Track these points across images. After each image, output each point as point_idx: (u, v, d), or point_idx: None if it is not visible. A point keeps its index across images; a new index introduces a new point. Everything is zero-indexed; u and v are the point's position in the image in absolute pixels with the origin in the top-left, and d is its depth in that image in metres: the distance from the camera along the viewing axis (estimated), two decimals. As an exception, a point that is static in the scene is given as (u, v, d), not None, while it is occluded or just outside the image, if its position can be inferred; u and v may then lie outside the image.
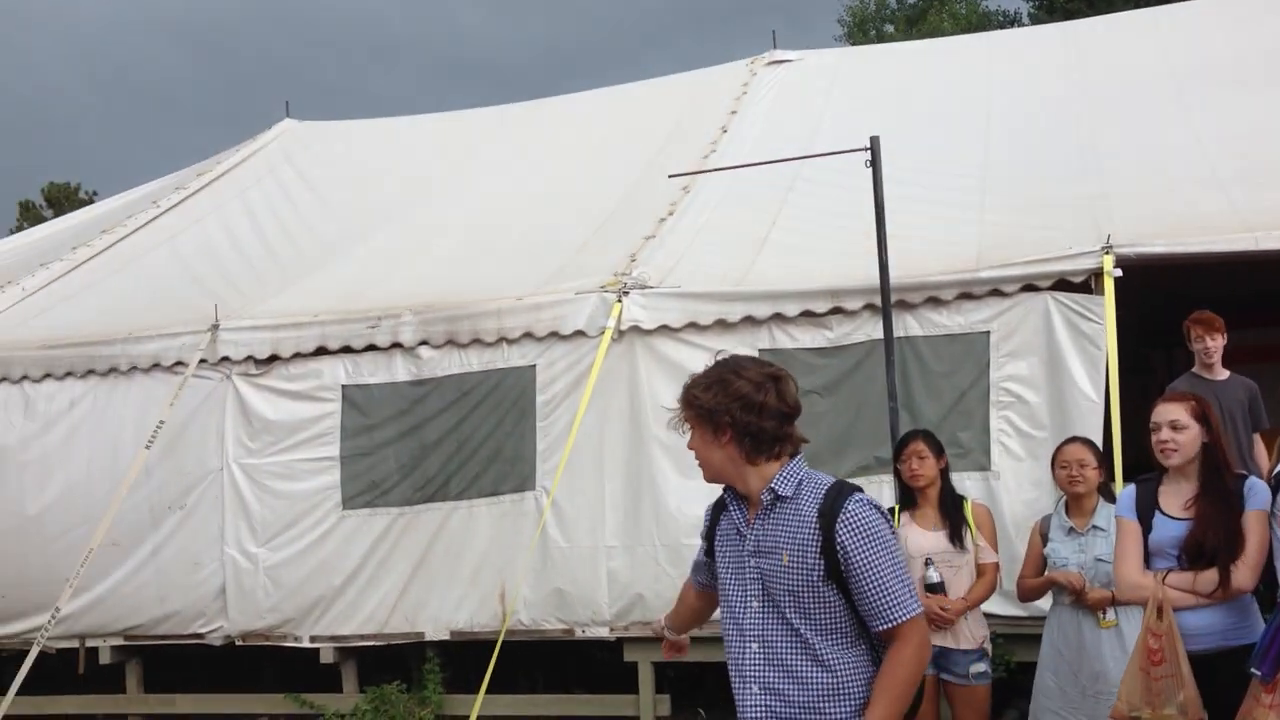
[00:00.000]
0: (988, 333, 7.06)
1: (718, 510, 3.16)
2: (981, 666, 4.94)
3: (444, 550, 7.83)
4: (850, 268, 7.36)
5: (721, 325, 7.59)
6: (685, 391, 3.06)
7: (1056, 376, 6.84)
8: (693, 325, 7.63)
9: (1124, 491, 4.31)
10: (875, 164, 6.64)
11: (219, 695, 8.42)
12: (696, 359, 7.54)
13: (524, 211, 9.96)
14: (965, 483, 6.88)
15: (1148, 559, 4.06)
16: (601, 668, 7.87)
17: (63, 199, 33.84)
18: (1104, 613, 4.57)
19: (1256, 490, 3.96)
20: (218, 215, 11.13)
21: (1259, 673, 3.51)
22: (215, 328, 8.40)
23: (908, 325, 7.22)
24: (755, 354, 7.52)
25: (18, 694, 7.12)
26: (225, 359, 8.38)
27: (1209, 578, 3.89)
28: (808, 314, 7.43)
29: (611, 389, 7.63)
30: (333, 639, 8.00)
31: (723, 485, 3.11)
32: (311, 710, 7.94)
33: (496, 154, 11.53)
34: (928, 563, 4.95)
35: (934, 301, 7.18)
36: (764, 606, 2.93)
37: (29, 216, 33.67)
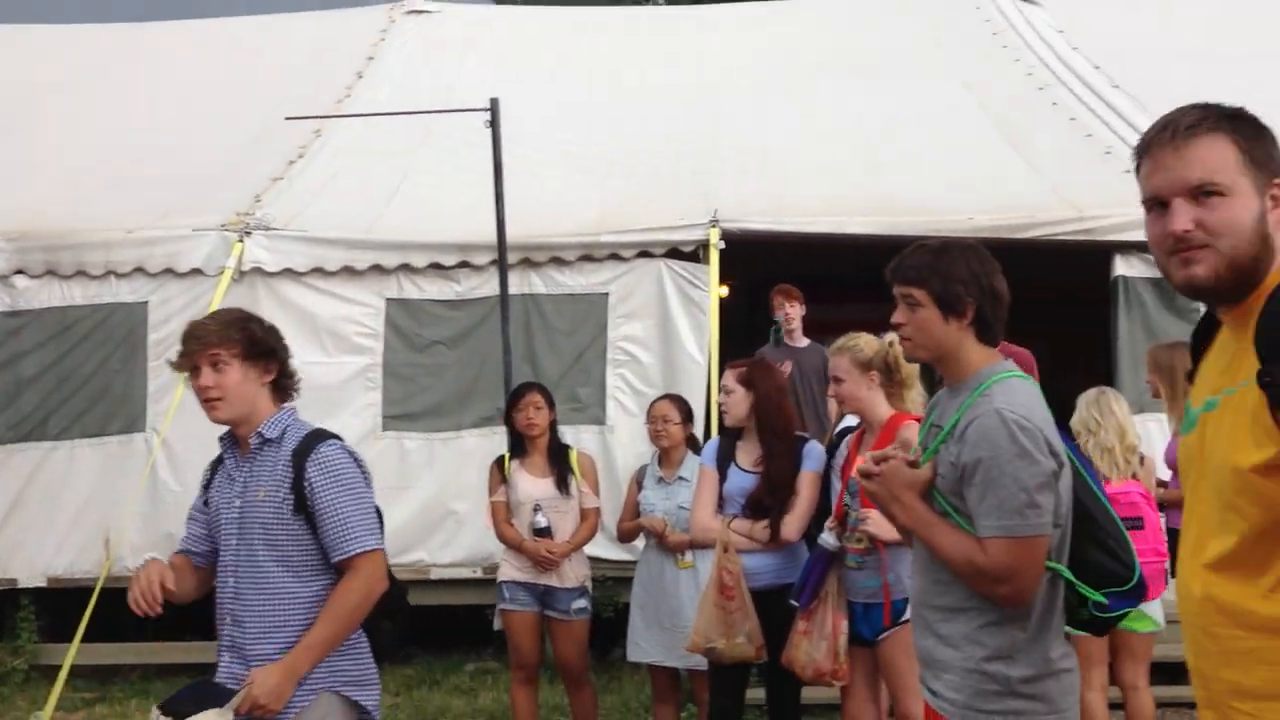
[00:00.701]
0: (607, 294, 7.49)
1: (216, 465, 3.28)
2: (582, 603, 5.32)
3: (41, 492, 7.38)
4: (479, 224, 7.54)
5: (349, 272, 7.58)
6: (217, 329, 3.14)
7: (667, 338, 7.38)
8: (319, 270, 7.57)
9: (710, 442, 4.83)
10: (495, 125, 6.87)
11: None
12: (322, 304, 7.58)
13: (145, 140, 9.41)
14: (582, 436, 7.30)
15: (723, 505, 4.56)
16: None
17: None
18: (682, 554, 5.04)
19: (811, 453, 4.55)
20: None
21: (797, 604, 4.07)
22: None
23: (533, 283, 7.54)
24: (383, 302, 7.61)
25: None
26: None
27: (761, 529, 4.45)
28: (436, 266, 7.57)
29: (231, 332, 7.44)
30: (-96, 586, 7.36)
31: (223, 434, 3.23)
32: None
33: (121, 75, 10.79)
34: (536, 509, 5.26)
35: (558, 262, 7.52)
36: (240, 543, 3.09)
37: None
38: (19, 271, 7.58)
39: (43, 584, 7.36)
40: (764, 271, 8.19)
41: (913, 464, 2.87)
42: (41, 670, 7.15)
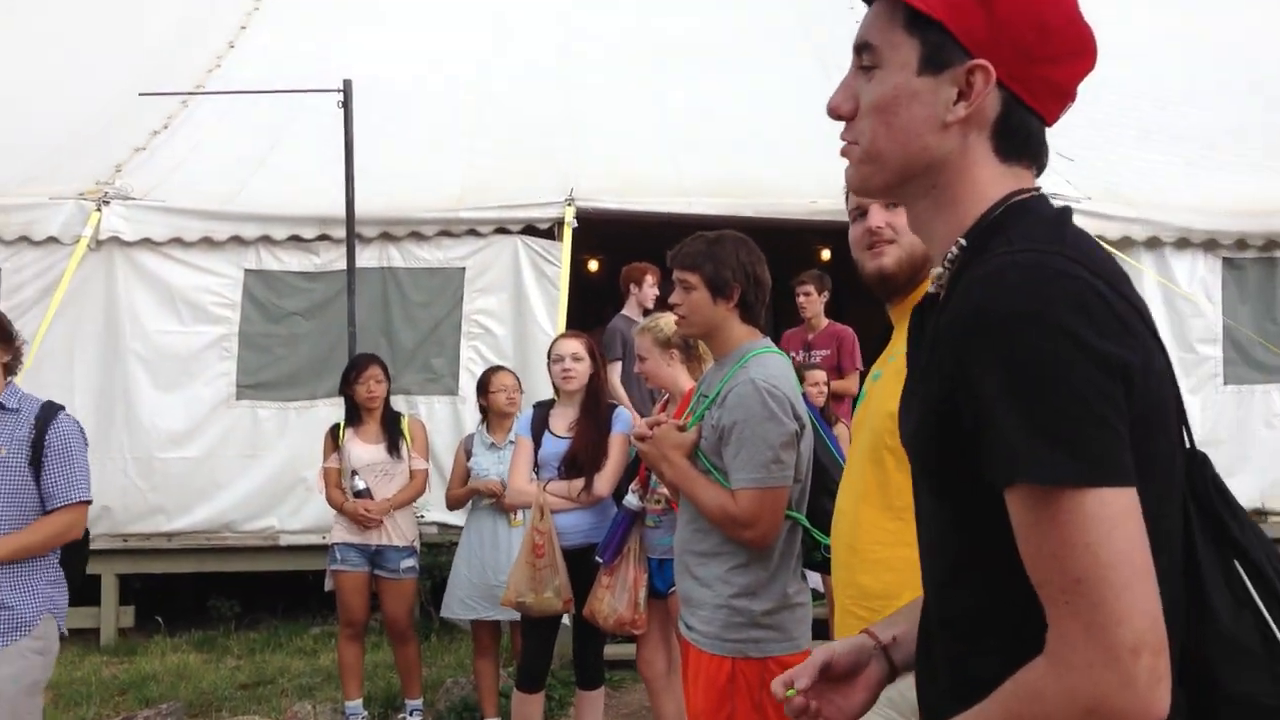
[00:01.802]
0: (464, 269, 7.65)
1: None
2: (410, 562, 5.53)
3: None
4: (341, 198, 7.65)
5: (208, 243, 7.62)
6: None
7: (521, 312, 7.57)
8: (178, 241, 7.60)
9: (523, 414, 5.07)
10: (347, 106, 6.99)
11: None
12: (180, 274, 7.62)
13: (4, 105, 9.28)
14: (436, 406, 7.49)
15: (539, 470, 4.79)
16: (63, 581, 7.70)
17: None
18: (515, 514, 5.27)
19: (620, 417, 4.84)
20: None
21: (601, 560, 4.32)
22: None
23: (391, 257, 7.67)
24: (241, 273, 7.67)
25: None
26: None
27: (576, 486, 4.70)
28: (296, 239, 7.65)
29: (86, 300, 7.46)
30: None
31: None
32: None
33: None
34: (354, 474, 5.47)
35: (416, 236, 7.66)
36: None
37: None
38: None
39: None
40: (626, 247, 8.42)
41: (681, 428, 3.22)
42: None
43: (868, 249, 2.41)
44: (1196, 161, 8.56)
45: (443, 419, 7.44)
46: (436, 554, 6.74)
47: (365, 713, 5.57)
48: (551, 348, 4.97)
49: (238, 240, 7.63)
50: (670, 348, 4.33)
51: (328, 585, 5.57)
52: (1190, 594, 1.22)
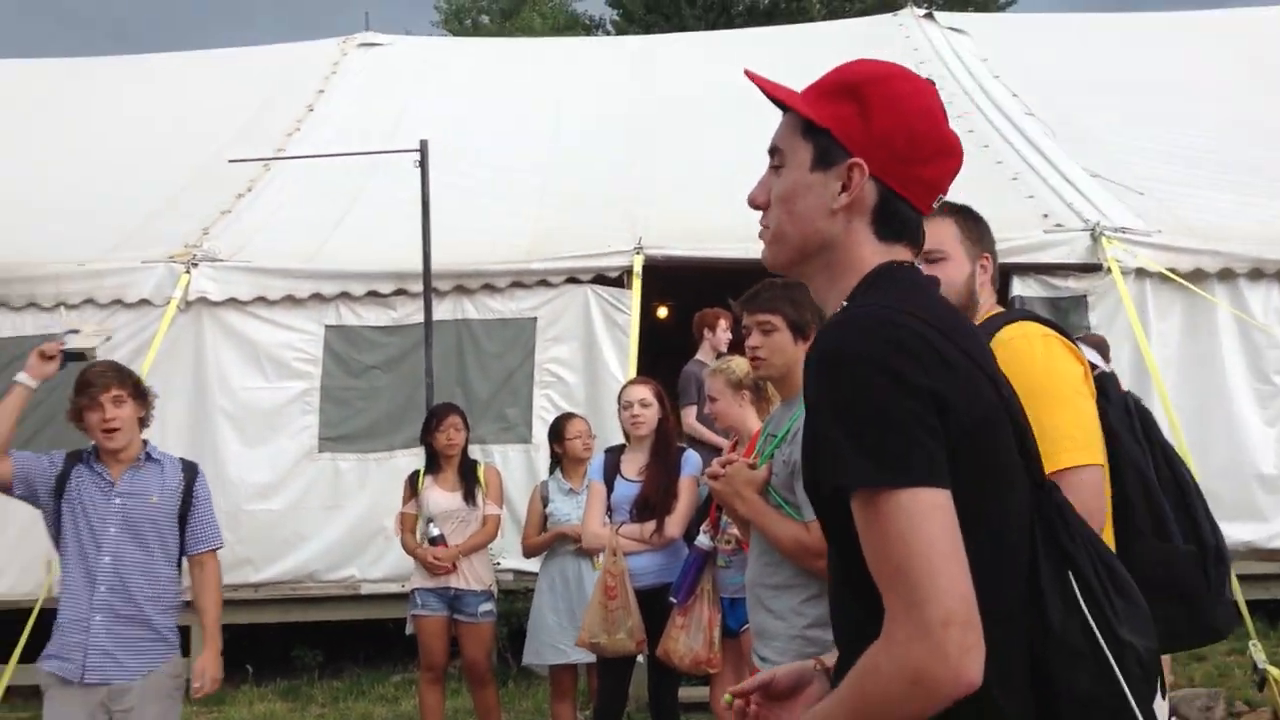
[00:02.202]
0: (535, 319, 7.82)
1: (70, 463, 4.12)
2: (488, 606, 5.65)
3: (-7, 515, 7.61)
4: (416, 253, 7.86)
5: (290, 301, 7.88)
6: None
7: (592, 360, 7.70)
8: (261, 299, 7.87)
9: (595, 459, 5.18)
10: (424, 165, 7.22)
11: None
12: (265, 332, 7.87)
13: (98, 172, 9.70)
14: (510, 454, 7.62)
15: (611, 514, 4.90)
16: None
17: None
18: (597, 557, 5.37)
19: (689, 460, 4.93)
20: None
21: (675, 600, 4.39)
22: None
23: (465, 309, 7.86)
24: (322, 329, 7.90)
25: None
26: None
27: (648, 528, 4.79)
28: (373, 294, 7.88)
29: (176, 359, 7.73)
30: None
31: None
32: None
33: (75, 108, 11.07)
34: (429, 521, 5.64)
35: (489, 288, 7.85)
36: (120, 531, 4.00)
37: None
38: (-27, 304, 7.85)
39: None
40: (695, 294, 8.54)
41: (752, 466, 3.33)
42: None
43: None
44: (1267, 192, 8.47)
45: (517, 467, 7.56)
46: (513, 600, 6.85)
47: (446, 758, 5.68)
48: (621, 394, 5.09)
49: (318, 297, 7.88)
50: (742, 389, 4.42)
51: (409, 629, 5.70)
52: (1032, 603, 1.43)
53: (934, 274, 2.40)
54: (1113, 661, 1.41)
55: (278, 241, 8.31)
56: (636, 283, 7.60)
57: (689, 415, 6.85)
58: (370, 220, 8.68)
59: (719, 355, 7.67)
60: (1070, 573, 1.44)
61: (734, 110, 10.20)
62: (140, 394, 4.10)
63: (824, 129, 1.57)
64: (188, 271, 7.82)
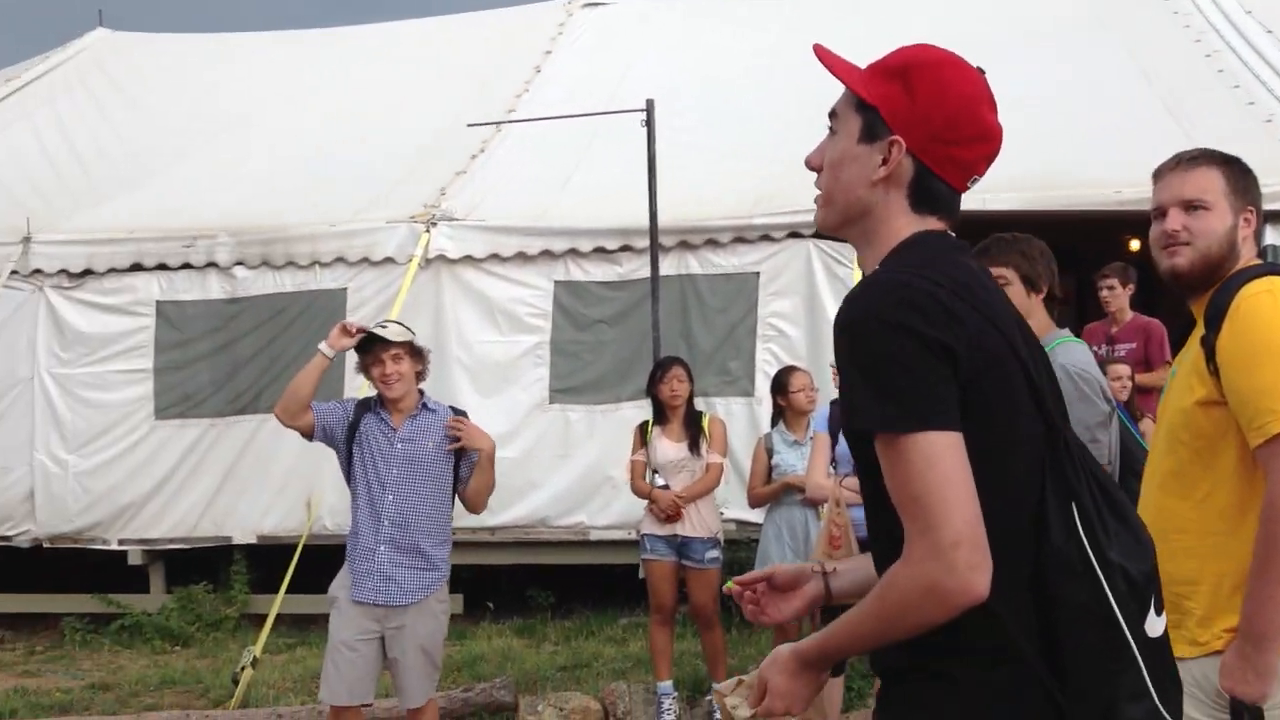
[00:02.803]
0: (758, 273, 7.89)
1: (360, 412, 4.63)
2: (714, 553, 5.82)
3: (254, 460, 8.28)
4: (641, 210, 8.04)
5: (522, 257, 8.20)
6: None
7: (813, 313, 7.72)
8: (495, 256, 8.22)
9: (821, 410, 5.22)
10: (650, 124, 7.33)
11: (24, 595, 8.69)
12: (498, 288, 8.22)
13: (345, 139, 10.28)
14: (733, 407, 7.75)
15: (835, 465, 4.94)
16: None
17: None
18: (822, 508, 5.42)
19: None
20: (26, 124, 11.07)
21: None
22: (27, 240, 8.55)
23: (689, 264, 8.00)
24: (551, 284, 8.19)
25: None
26: (37, 271, 8.55)
27: None
28: (600, 250, 8.12)
29: (417, 313, 8.12)
30: (141, 542, 8.38)
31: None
32: (119, 609, 8.30)
33: (319, 78, 11.74)
34: (654, 472, 5.87)
35: (712, 244, 7.96)
36: (401, 473, 4.50)
37: None
38: (239, 263, 8.48)
39: (253, 541, 8.26)
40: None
41: None
42: (250, 619, 8.05)
43: (1164, 249, 2.54)
44: None
45: (739, 419, 7.67)
46: (736, 550, 6.99)
47: (675, 693, 5.89)
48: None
49: (548, 254, 8.17)
50: None
51: (642, 573, 5.94)
52: (1038, 527, 1.63)
53: (1193, 223, 2.48)
54: (1103, 579, 1.60)
55: (510, 200, 8.65)
56: (859, 237, 7.54)
57: None
58: (596, 178, 8.90)
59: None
60: (1072, 503, 1.63)
61: (961, 51, 9.94)
62: (415, 352, 4.57)
63: (873, 106, 1.73)
64: (427, 231, 8.24)
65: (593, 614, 7.93)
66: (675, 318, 7.86)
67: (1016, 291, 3.27)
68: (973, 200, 6.57)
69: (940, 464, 1.54)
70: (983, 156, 1.74)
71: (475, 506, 4.72)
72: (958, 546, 1.51)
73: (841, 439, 4.97)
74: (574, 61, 11.04)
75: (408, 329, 4.67)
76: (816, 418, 5.32)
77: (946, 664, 1.62)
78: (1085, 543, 1.61)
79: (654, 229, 7.38)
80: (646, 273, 7.94)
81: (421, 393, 4.64)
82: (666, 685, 5.86)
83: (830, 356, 7.06)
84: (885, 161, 1.71)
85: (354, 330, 4.55)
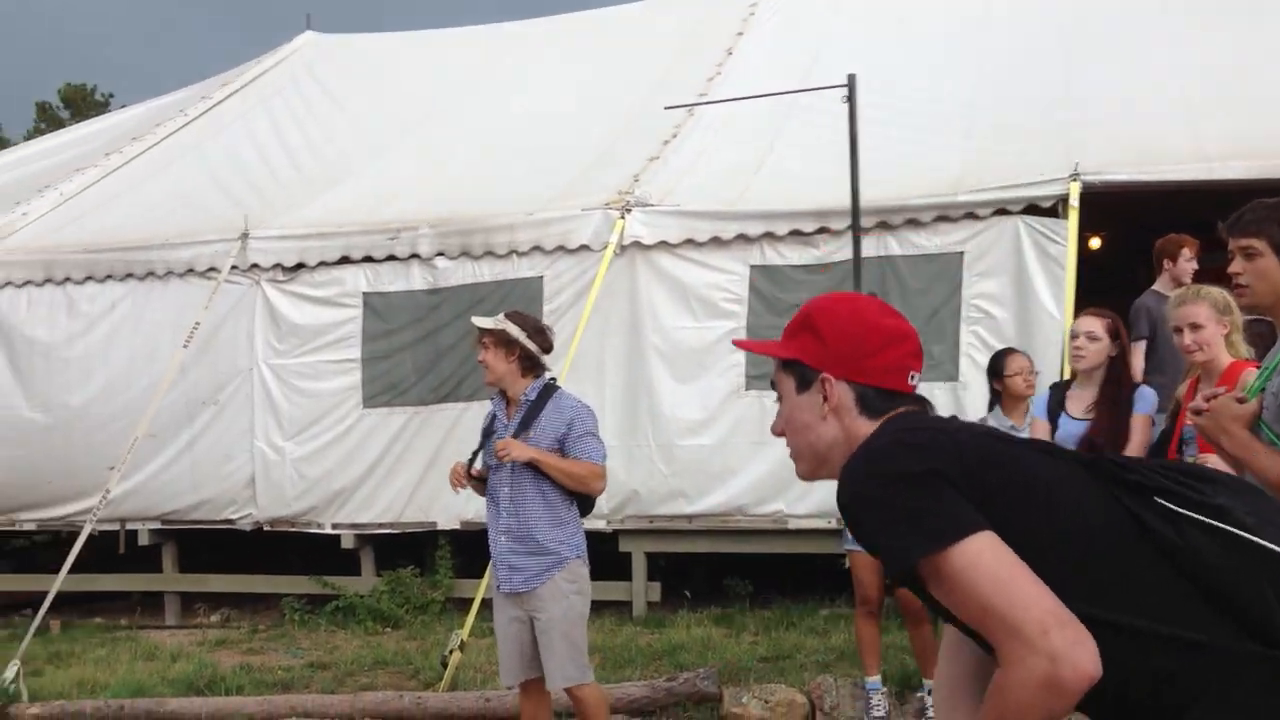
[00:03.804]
0: (961, 253, 7.57)
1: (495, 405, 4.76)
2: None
3: (456, 446, 8.41)
4: (838, 191, 7.82)
5: (716, 242, 8.11)
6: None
7: (1023, 295, 7.37)
8: (690, 242, 8.15)
9: (1039, 395, 4.94)
10: (851, 100, 7.08)
11: (247, 576, 9.15)
12: (693, 273, 8.15)
13: (537, 128, 10.40)
14: (935, 392, 7.45)
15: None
16: (598, 557, 8.53)
17: (79, 100, 34.11)
18: None
19: (1144, 396, 4.59)
20: (242, 125, 11.62)
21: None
22: (245, 236, 8.95)
23: (888, 245, 7.75)
24: (747, 269, 8.07)
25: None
26: (255, 266, 8.95)
27: None
28: (796, 233, 7.95)
29: (613, 300, 8.18)
30: (352, 526, 8.70)
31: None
32: (333, 591, 8.65)
33: (513, 70, 11.93)
34: None
35: (913, 223, 7.69)
36: (513, 464, 4.54)
37: (46, 117, 33.95)
38: (439, 254, 8.68)
39: (457, 526, 8.45)
40: (1133, 222, 7.95)
41: (1240, 400, 3.10)
42: (454, 602, 8.25)
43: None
44: None
45: (943, 405, 7.39)
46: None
47: (884, 689, 5.71)
48: (1072, 325, 4.83)
49: (743, 238, 8.06)
50: (1225, 316, 4.08)
51: (847, 564, 5.78)
52: (1135, 525, 1.68)
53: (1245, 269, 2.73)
54: (1224, 525, 1.65)
55: (704, 185, 8.57)
56: (1073, 213, 7.15)
57: (1136, 354, 6.35)
58: (790, 160, 8.74)
59: (1179, 287, 7.09)
60: (1154, 497, 1.69)
61: (1173, 18, 9.35)
62: (506, 341, 4.56)
63: (794, 359, 1.95)
64: (622, 217, 8.23)
65: (792, 604, 7.79)
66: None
67: (1268, 264, 2.95)
68: (1198, 170, 6.17)
69: (984, 565, 1.59)
70: (906, 354, 1.92)
71: (587, 493, 4.71)
72: (1047, 633, 1.53)
73: (1061, 422, 4.69)
74: (766, 41, 10.86)
75: (514, 321, 4.64)
76: (1035, 401, 5.04)
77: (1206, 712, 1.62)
78: (1192, 514, 1.67)
79: (856, 209, 7.16)
80: (843, 255, 7.76)
81: (554, 384, 4.69)
82: (875, 681, 5.68)
83: (1042, 337, 6.74)
84: (826, 397, 1.90)
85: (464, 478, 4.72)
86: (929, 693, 5.65)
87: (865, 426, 1.90)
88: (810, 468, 2.00)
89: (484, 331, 4.60)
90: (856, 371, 1.91)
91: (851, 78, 7.16)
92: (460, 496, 8.33)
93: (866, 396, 1.90)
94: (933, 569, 1.62)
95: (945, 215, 7.61)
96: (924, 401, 1.96)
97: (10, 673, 6.63)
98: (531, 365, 4.63)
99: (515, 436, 4.54)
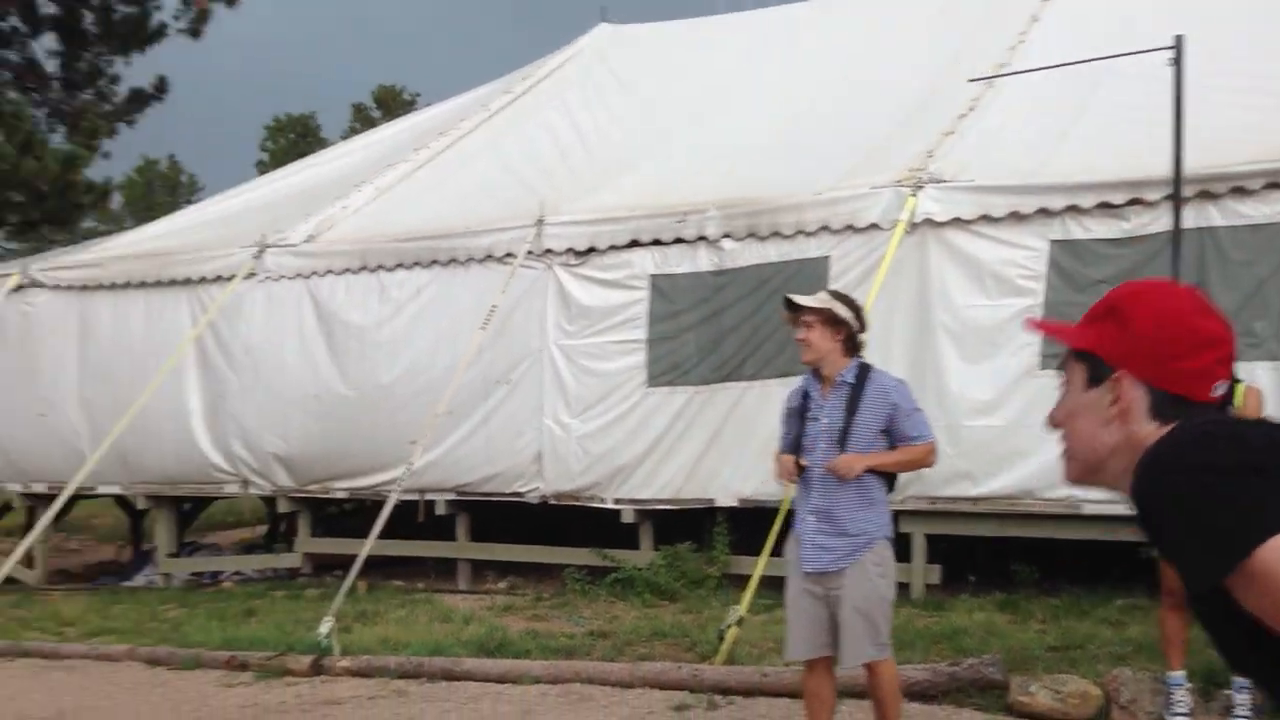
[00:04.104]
0: (1292, 221, 6.84)
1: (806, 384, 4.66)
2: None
3: (736, 425, 8.42)
4: (1153, 160, 7.25)
5: (1015, 217, 7.70)
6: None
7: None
8: (985, 218, 7.78)
9: None
10: (1179, 63, 6.46)
11: (533, 546, 9.45)
12: (988, 250, 7.76)
13: (825, 107, 10.24)
14: (1257, 372, 6.78)
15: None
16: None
17: (389, 100, 36.60)
18: None
19: None
20: (539, 118, 12.03)
21: None
22: (540, 223, 9.24)
23: (1209, 216, 7.13)
24: (1046, 244, 7.61)
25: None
26: (548, 251, 9.23)
27: None
28: (1104, 205, 7.42)
29: (900, 278, 7.90)
30: (633, 502, 8.81)
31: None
32: (613, 564, 8.79)
33: (799, 50, 11.80)
34: None
35: (1239, 191, 7.03)
36: (826, 445, 4.49)
37: (360, 117, 36.63)
38: (726, 235, 8.67)
39: (734, 504, 8.41)
40: None
41: None
42: (730, 579, 8.20)
43: None
44: None
45: (1266, 386, 6.67)
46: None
47: (1188, 685, 5.20)
48: None
49: (1044, 212, 7.61)
50: None
51: (1150, 552, 5.30)
52: None
53: None
54: None
55: (1001, 158, 8.17)
56: None
57: None
58: (1098, 129, 8.20)
59: None
60: None
61: None
62: (833, 321, 4.47)
63: (1089, 351, 1.70)
64: (914, 194, 7.95)
65: (1083, 592, 7.27)
66: (1190, 274, 6.99)
67: None
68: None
69: None
70: (1215, 361, 1.66)
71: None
72: None
73: None
74: (1073, 8, 10.24)
75: (839, 300, 4.55)
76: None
77: None
78: None
79: (1178, 177, 6.58)
80: (1156, 228, 7.20)
81: (866, 366, 4.56)
82: (1179, 676, 5.20)
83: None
84: (1116, 399, 1.66)
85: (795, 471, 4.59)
86: (1239, 690, 5.11)
87: (1153, 432, 1.65)
88: (1081, 472, 1.77)
89: (808, 310, 4.50)
90: (1158, 374, 1.66)
91: (1179, 39, 6.57)
92: (739, 473, 8.35)
93: (1161, 402, 1.66)
94: (1246, 570, 1.39)
95: (1276, 182, 6.90)
96: (1224, 412, 1.68)
97: (324, 629, 7.08)
98: (853, 345, 4.55)
99: (842, 423, 4.47)
